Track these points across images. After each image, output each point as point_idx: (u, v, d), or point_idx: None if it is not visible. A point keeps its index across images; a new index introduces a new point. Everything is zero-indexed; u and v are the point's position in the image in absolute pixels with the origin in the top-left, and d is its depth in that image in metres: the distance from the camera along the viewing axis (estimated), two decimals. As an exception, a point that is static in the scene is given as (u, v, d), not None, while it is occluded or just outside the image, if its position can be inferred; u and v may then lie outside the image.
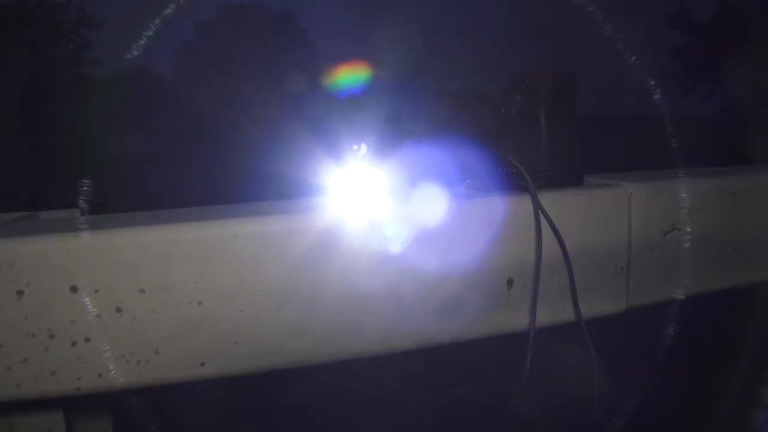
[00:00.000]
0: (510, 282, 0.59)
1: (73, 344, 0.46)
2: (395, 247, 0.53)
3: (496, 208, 0.58)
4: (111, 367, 0.47)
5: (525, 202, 0.59)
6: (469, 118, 0.66)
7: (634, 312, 0.68)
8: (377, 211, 0.54)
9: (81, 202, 0.60)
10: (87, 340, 0.46)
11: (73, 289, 0.46)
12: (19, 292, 0.45)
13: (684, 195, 0.70)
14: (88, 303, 0.46)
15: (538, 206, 0.57)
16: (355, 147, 0.66)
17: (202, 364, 0.49)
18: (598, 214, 0.65)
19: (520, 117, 0.62)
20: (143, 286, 0.47)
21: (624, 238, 0.66)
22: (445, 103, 0.68)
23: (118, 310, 0.47)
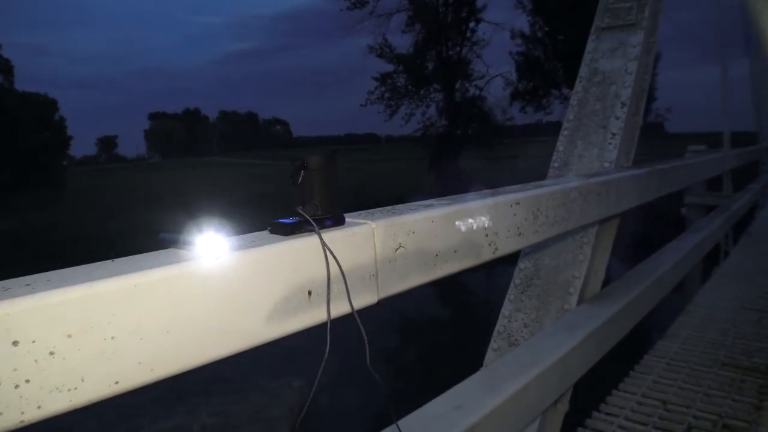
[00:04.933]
0: (309, 292, 0.97)
1: (16, 387, 0.66)
2: (237, 279, 0.85)
3: (298, 244, 0.96)
4: (47, 399, 0.68)
5: (314, 239, 0.98)
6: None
7: (382, 302, 1.13)
8: (226, 254, 0.85)
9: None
10: (27, 381, 0.66)
11: (15, 343, 0.65)
12: (-33, 354, 0.63)
13: (404, 225, 1.19)
14: (28, 352, 0.66)
15: (322, 241, 0.97)
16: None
17: (117, 383, 0.73)
18: (356, 243, 1.08)
19: (304, 184, 1.01)
20: (70, 332, 0.69)
21: (372, 255, 1.11)
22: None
23: (52, 353, 0.68)
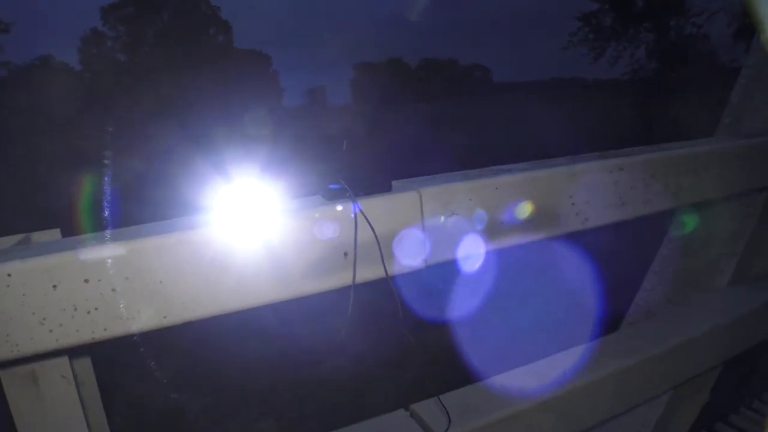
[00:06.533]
0: (345, 254, 1.08)
1: (88, 312, 0.88)
2: (275, 237, 1.00)
3: (337, 209, 1.07)
4: (111, 324, 0.90)
5: (350, 205, 1.07)
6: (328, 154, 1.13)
7: (432, 266, 1.20)
8: (261, 215, 1.00)
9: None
10: (96, 309, 0.89)
11: (86, 281, 0.87)
12: (54, 286, 0.86)
13: (458, 192, 1.22)
14: (96, 287, 0.88)
15: (354, 206, 1.06)
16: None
17: (165, 317, 0.93)
18: (401, 209, 1.15)
19: (349, 152, 1.11)
20: (128, 275, 0.89)
21: (419, 221, 1.17)
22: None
23: (113, 290, 0.89)
